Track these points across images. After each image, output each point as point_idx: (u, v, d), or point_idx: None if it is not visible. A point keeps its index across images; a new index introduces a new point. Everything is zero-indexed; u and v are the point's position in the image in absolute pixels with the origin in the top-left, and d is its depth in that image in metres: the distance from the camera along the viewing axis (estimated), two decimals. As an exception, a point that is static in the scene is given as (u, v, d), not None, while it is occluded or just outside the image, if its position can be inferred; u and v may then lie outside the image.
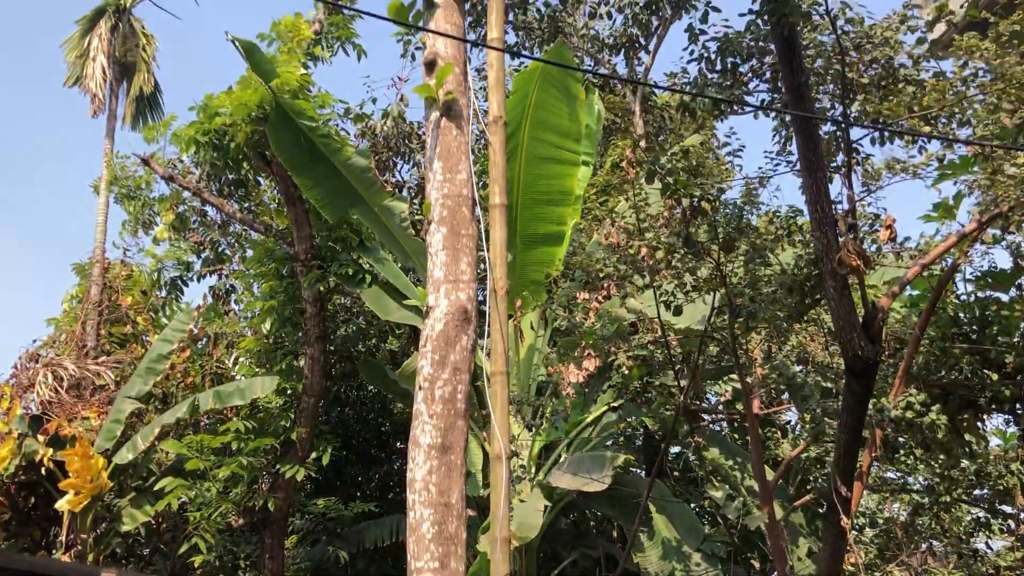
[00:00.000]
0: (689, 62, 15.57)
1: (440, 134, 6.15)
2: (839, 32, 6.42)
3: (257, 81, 10.87)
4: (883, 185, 6.55)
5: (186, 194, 13.30)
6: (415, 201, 14.42)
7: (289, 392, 11.84)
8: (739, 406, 10.38)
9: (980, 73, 6.95)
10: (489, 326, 6.02)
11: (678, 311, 7.14)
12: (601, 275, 7.17)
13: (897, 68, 7.80)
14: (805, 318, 7.88)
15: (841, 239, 6.25)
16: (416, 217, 12.23)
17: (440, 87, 6.14)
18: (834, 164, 6.95)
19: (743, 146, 7.48)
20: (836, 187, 6.90)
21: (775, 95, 16.04)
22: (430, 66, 6.27)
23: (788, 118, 7.17)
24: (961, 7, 7.49)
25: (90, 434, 11.57)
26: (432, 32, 6.11)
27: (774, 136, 15.52)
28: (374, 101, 19.58)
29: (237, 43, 9.92)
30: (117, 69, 15.67)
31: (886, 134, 7.31)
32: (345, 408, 15.23)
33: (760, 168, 7.17)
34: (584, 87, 9.60)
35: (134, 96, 15.67)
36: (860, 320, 6.39)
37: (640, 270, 6.98)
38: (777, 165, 7.52)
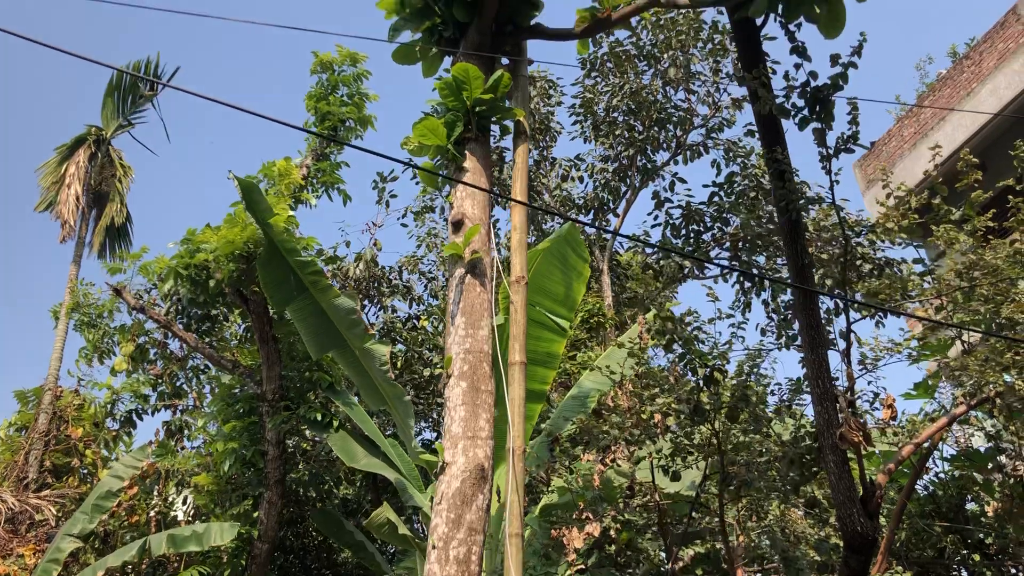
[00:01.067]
0: (654, 226, 16.39)
1: (464, 290, 6.27)
2: (842, 218, 6.84)
3: (244, 220, 11.00)
4: (880, 365, 6.83)
5: (149, 325, 13.10)
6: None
7: (243, 535, 11.34)
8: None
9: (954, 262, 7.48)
10: (505, 486, 5.95)
11: (676, 476, 7.19)
12: (609, 437, 7.21)
13: (854, 247, 8.37)
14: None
15: (842, 415, 6.45)
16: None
17: (467, 246, 6.32)
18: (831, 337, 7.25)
19: (747, 319, 7.71)
20: (834, 361, 7.16)
21: (734, 262, 16.80)
22: (457, 226, 6.47)
23: (790, 294, 7.48)
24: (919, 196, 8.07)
25: (23, 573, 10.80)
26: (466, 183, 6.33)
27: (734, 302, 16.11)
28: (348, 244, 20.02)
29: (238, 181, 10.08)
30: (90, 197, 15.65)
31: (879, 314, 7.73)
32: (289, 555, 14.57)
33: (760, 342, 7.42)
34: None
35: (104, 226, 15.59)
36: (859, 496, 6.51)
37: (652, 435, 7.05)
38: (779, 340, 7.78)
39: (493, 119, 6.93)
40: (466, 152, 6.75)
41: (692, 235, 15.66)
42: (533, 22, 7.40)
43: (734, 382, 6.82)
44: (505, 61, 7.49)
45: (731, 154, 15.70)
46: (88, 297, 13.43)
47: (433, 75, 8.42)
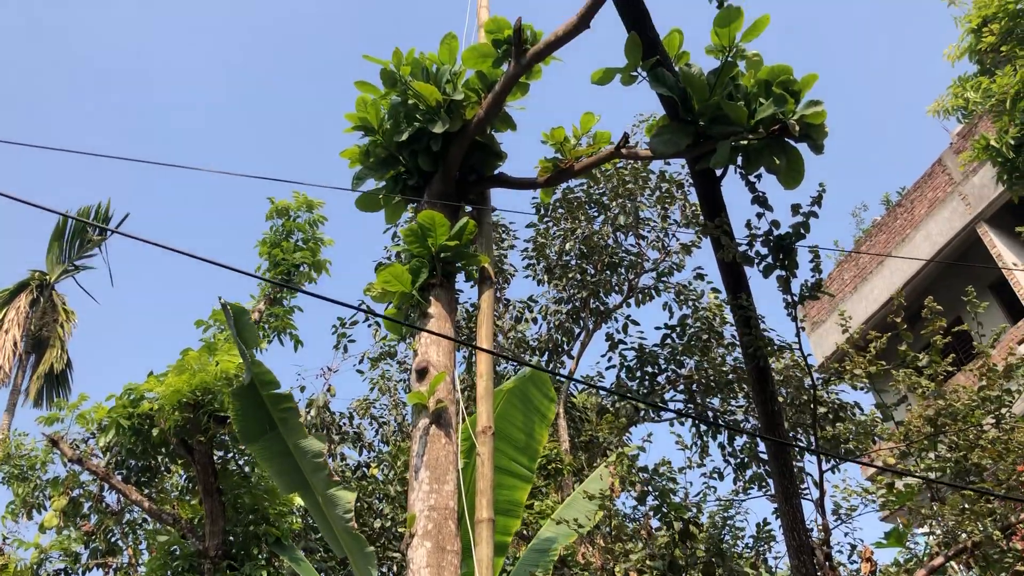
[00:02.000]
0: (608, 368, 16.35)
1: (429, 442, 6.02)
2: (806, 363, 6.83)
3: (194, 366, 10.64)
4: (854, 516, 6.68)
5: (84, 477, 12.41)
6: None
7: None
8: None
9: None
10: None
11: (651, 637, 6.80)
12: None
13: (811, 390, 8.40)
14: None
15: (820, 572, 6.24)
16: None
17: (432, 395, 6.11)
18: (803, 487, 7.11)
19: (719, 470, 7.54)
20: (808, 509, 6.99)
21: (690, 404, 16.71)
22: (421, 374, 6.29)
23: (768, 442, 7.36)
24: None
25: None
26: (430, 332, 6.19)
27: (691, 446, 15.86)
28: (302, 389, 19.44)
29: (228, 307, 9.78)
30: (30, 343, 15.12)
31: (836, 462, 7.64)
32: None
33: (731, 491, 7.23)
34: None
35: (43, 372, 15.00)
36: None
37: (627, 595, 6.71)
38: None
39: (458, 265, 6.89)
40: (431, 298, 6.66)
41: (647, 377, 15.66)
42: (496, 171, 7.50)
43: (707, 534, 6.58)
44: (468, 208, 7.53)
45: (682, 297, 15.94)
46: (20, 448, 12.71)
47: (395, 223, 8.45)
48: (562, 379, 15.07)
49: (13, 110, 46.63)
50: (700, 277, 16.04)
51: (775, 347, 6.86)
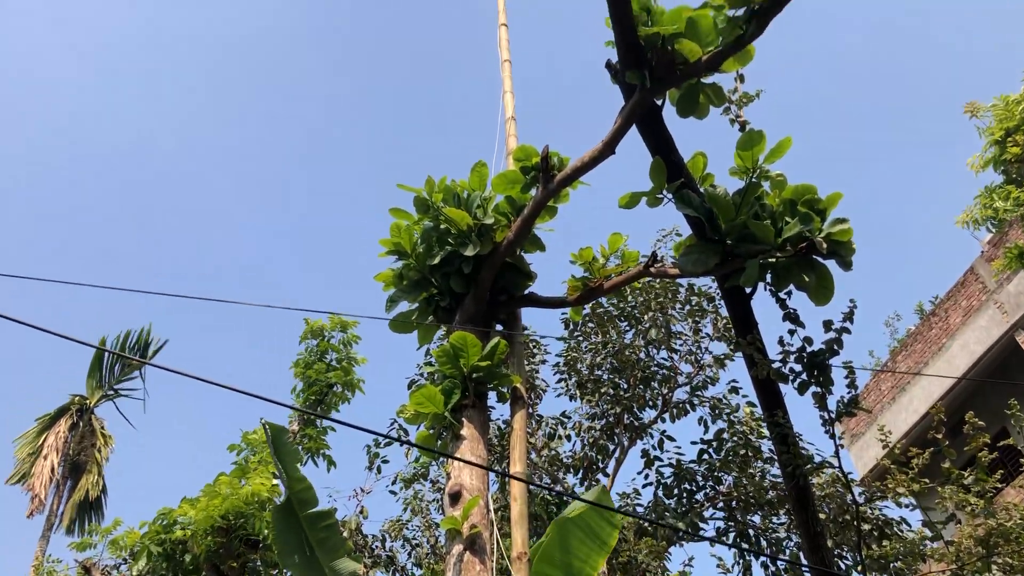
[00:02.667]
0: (645, 486, 16.01)
1: (463, 569, 5.91)
2: (847, 481, 6.67)
3: (225, 492, 10.61)
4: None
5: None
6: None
7: None
8: None
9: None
10: None
11: None
12: None
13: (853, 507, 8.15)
14: None
15: None
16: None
17: (466, 519, 6.03)
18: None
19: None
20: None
21: (730, 523, 16.24)
22: (455, 498, 6.22)
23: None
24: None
25: None
26: (462, 460, 6.15)
27: (733, 567, 15.36)
28: (334, 511, 19.20)
29: (268, 426, 9.81)
30: (67, 468, 15.19)
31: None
32: None
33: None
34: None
35: (77, 500, 14.99)
36: None
37: None
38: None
39: (490, 385, 6.91)
40: (463, 419, 6.65)
41: (685, 494, 15.28)
42: (527, 291, 7.60)
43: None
44: (499, 327, 7.60)
45: (717, 411, 15.71)
46: (53, 575, 12.62)
47: (428, 343, 8.52)
48: (600, 507, 14.78)
49: (69, 229, 48.35)
50: (735, 390, 15.83)
51: (814, 464, 6.72)
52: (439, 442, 6.58)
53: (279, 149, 51.37)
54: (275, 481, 11.09)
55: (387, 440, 14.87)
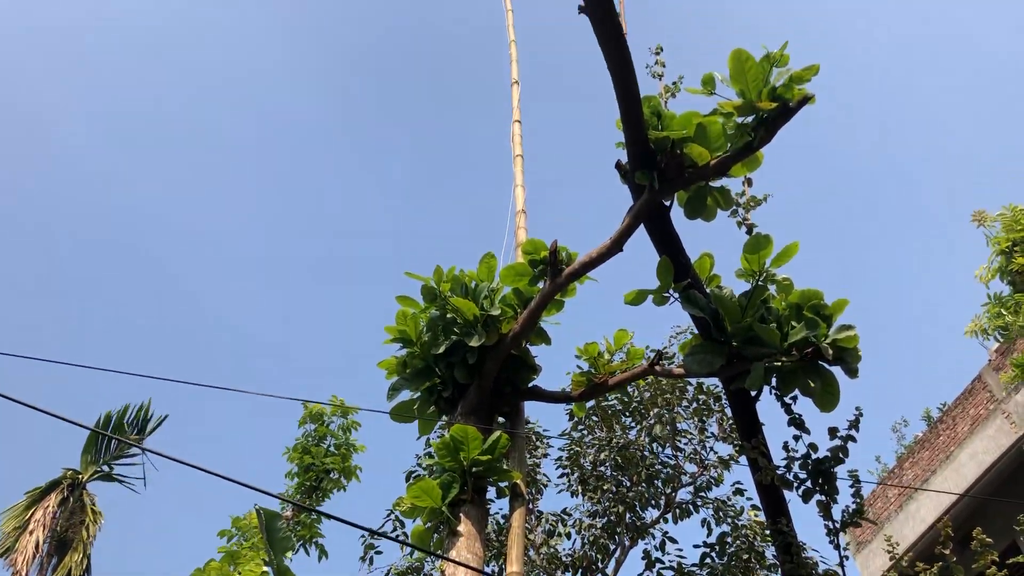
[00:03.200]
0: (647, 590, 15.54)
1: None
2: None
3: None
4: None
5: None
6: None
7: None
8: None
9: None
10: None
11: None
12: None
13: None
14: None
15: None
16: None
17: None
18: None
19: None
20: None
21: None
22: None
23: None
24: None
25: None
26: (456, 563, 6.00)
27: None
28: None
29: (262, 512, 9.63)
30: (53, 544, 14.85)
31: None
32: None
33: None
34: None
35: (61, 576, 14.60)
36: None
37: None
38: None
39: (490, 481, 6.79)
40: (461, 515, 6.51)
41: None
42: (531, 384, 7.55)
43: None
44: (501, 420, 7.52)
45: (721, 513, 15.39)
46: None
47: (428, 434, 8.44)
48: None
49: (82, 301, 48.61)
50: (739, 492, 15.52)
51: (818, 574, 6.52)
52: (436, 536, 6.43)
53: (289, 228, 52.05)
54: (265, 568, 10.85)
55: (382, 531, 14.57)
